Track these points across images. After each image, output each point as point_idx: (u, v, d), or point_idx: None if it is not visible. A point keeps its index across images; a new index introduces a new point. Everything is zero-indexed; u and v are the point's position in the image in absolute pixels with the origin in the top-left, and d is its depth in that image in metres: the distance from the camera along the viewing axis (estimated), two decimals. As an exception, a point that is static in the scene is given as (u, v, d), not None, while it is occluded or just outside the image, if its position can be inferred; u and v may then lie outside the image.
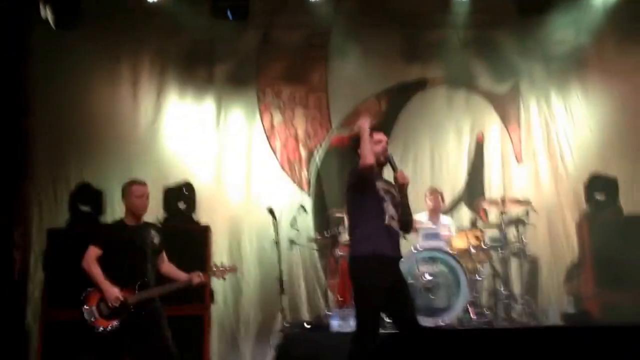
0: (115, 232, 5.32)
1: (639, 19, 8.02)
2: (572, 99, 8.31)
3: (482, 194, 8.09)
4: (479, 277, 6.96)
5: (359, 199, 4.73)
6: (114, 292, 5.04)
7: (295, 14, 8.02)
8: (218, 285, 7.08)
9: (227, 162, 7.98)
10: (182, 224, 7.07)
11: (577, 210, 7.80)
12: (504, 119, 8.30)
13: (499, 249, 7.07)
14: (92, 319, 5.05)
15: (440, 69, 8.24)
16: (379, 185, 4.74)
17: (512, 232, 7.20)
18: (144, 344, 5.07)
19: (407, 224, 4.84)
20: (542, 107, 8.32)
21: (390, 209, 4.69)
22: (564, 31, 8.01)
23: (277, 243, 6.79)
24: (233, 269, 5.61)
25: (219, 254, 7.31)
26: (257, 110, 8.15)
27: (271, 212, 6.82)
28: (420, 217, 7.10)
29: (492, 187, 8.15)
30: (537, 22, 7.89)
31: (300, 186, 8.07)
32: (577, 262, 7.57)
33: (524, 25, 7.98)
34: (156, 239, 5.41)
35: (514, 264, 7.32)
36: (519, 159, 8.27)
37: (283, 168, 8.08)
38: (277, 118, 8.16)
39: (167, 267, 5.50)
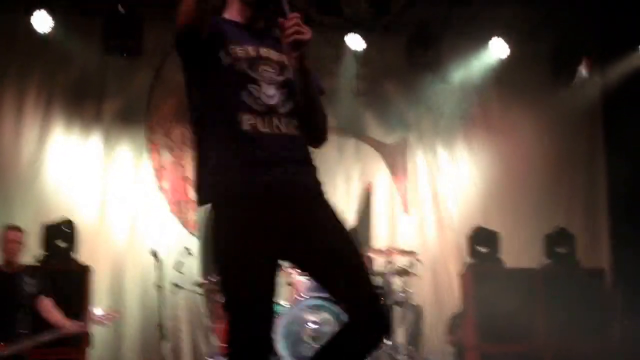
0: None
1: (521, 80, 8.61)
2: (458, 153, 8.75)
3: (369, 242, 8.28)
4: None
5: (200, 86, 2.79)
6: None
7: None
8: (97, 328, 6.92)
9: (112, 201, 7.89)
10: (61, 263, 6.90)
11: (461, 262, 8.10)
12: (393, 169, 8.60)
13: (385, 297, 7.25)
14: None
15: (332, 117, 8.43)
16: (241, 52, 2.76)
17: (397, 282, 7.40)
18: None
19: (313, 125, 2.87)
20: (429, 160, 8.71)
21: (264, 94, 2.73)
22: (452, 88, 8.48)
23: (159, 287, 6.73)
24: (112, 317, 5.49)
25: (100, 295, 7.19)
26: (145, 149, 8.12)
27: (154, 254, 6.77)
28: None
29: (379, 236, 8.37)
30: (427, 78, 8.32)
31: (188, 228, 8.04)
32: (459, 313, 7.83)
33: (415, 80, 8.39)
34: (30, 286, 5.27)
35: (398, 313, 7.50)
36: (405, 209, 8.55)
37: (171, 209, 8.04)
38: (167, 158, 8.15)
39: (47, 312, 5.36)
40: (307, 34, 2.67)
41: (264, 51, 2.80)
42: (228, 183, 2.69)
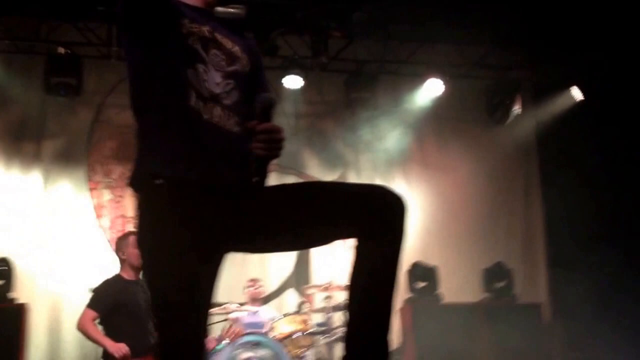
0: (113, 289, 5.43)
1: (457, 117, 8.95)
2: (396, 190, 8.90)
3: (309, 279, 8.43)
4: (304, 361, 7.21)
5: (145, 57, 2.54)
6: (118, 346, 5.12)
7: (127, 95, 8.19)
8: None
9: (51, 239, 7.93)
10: (-4, 301, 6.93)
11: (400, 296, 8.25)
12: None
13: (324, 334, 7.36)
14: None
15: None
16: (196, 28, 2.54)
17: (337, 317, 7.54)
18: None
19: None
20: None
21: (211, 79, 2.51)
22: (388, 125, 8.77)
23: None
24: None
25: (38, 333, 7.24)
26: (85, 188, 8.20)
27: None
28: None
29: (319, 272, 8.54)
30: (363, 116, 8.57)
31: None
32: (399, 347, 7.97)
33: (352, 118, 8.64)
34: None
35: (338, 349, 7.62)
36: (345, 246, 8.69)
37: (111, 247, 8.08)
38: (107, 196, 8.25)
39: None
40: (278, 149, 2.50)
41: (219, 36, 2.59)
42: (168, 165, 2.43)
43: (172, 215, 2.38)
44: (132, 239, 5.48)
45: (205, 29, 2.55)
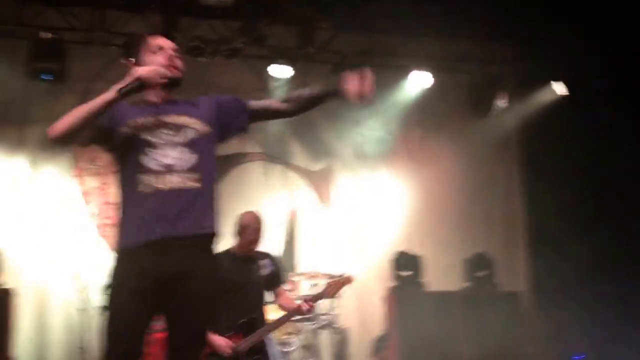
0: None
1: (441, 109, 9.23)
2: (381, 180, 9.20)
3: (294, 267, 8.59)
4: (289, 348, 7.36)
5: (113, 155, 3.34)
6: (222, 342, 4.96)
7: (113, 82, 8.23)
8: (22, 352, 7.08)
9: (37, 225, 8.00)
10: (-18, 287, 6.97)
11: (384, 285, 8.45)
12: (318, 195, 8.96)
13: (309, 320, 7.53)
14: None
15: (259, 145, 8.76)
16: (143, 123, 3.24)
17: (322, 305, 7.71)
18: None
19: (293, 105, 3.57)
20: (353, 186, 9.10)
21: (162, 155, 3.20)
22: (373, 117, 8.97)
23: (83, 310, 6.90)
24: None
25: (24, 318, 7.31)
26: (71, 174, 8.28)
27: (78, 278, 6.95)
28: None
29: (304, 260, 8.73)
30: (350, 107, 8.63)
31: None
32: (383, 335, 8.17)
33: (339, 109, 8.73)
34: (268, 269, 5.35)
35: (323, 335, 7.82)
36: (330, 234, 8.90)
37: (98, 233, 8.19)
38: (93, 183, 8.33)
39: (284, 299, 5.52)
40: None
41: (165, 117, 3.28)
42: (121, 239, 3.22)
43: (121, 273, 3.19)
44: (246, 216, 5.44)
45: (151, 119, 3.24)
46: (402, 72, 8.83)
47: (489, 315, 7.87)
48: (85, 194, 8.29)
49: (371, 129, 9.07)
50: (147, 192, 3.16)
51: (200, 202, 3.22)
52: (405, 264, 8.29)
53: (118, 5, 8.12)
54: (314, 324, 7.55)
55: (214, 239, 3.30)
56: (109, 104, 3.16)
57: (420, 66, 8.74)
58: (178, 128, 3.26)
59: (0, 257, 7.22)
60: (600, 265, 7.99)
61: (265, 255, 5.48)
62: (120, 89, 3.16)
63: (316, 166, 9.09)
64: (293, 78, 8.54)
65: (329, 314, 7.64)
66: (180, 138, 3.25)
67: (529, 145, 9.33)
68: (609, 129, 8.06)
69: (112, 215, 8.14)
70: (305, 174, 9.04)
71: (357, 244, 9.00)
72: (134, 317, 3.12)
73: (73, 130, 3.12)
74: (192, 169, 3.21)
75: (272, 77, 8.51)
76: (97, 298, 7.22)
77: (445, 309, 7.91)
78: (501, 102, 8.93)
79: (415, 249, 8.43)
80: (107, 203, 8.29)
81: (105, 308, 3.19)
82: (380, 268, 8.68)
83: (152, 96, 3.35)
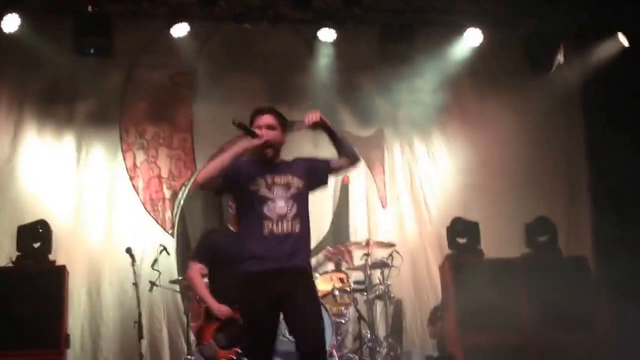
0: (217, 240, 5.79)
1: (496, 69, 8.96)
2: (435, 146, 9.06)
3: (347, 236, 8.55)
4: (344, 320, 7.31)
5: (240, 213, 4.62)
6: (223, 309, 5.51)
7: (160, 54, 8.39)
8: (75, 328, 7.25)
9: (87, 202, 8.17)
10: (36, 264, 7.14)
11: (440, 253, 8.36)
12: (369, 163, 8.88)
13: (363, 291, 7.48)
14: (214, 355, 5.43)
15: (307, 111, 8.62)
16: (261, 182, 4.46)
17: (376, 275, 7.68)
18: None
19: (344, 153, 4.65)
20: (406, 152, 9.01)
21: (277, 208, 4.40)
22: (425, 79, 8.71)
23: (135, 285, 7.02)
24: None
25: (78, 295, 7.55)
26: (119, 149, 8.39)
27: (130, 252, 7.06)
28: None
29: (357, 230, 8.70)
30: (399, 69, 8.58)
31: (164, 227, 8.35)
32: (440, 304, 8.08)
33: (387, 72, 8.67)
34: None
35: (378, 306, 7.77)
36: (383, 203, 8.81)
37: (146, 208, 8.32)
38: (140, 157, 8.45)
39: None
40: (312, 118, 4.52)
41: (277, 178, 4.44)
42: (250, 265, 4.39)
43: (247, 290, 4.42)
44: None
45: (268, 180, 4.42)
46: (454, 30, 8.58)
47: (552, 282, 7.70)
48: (132, 168, 8.39)
49: (423, 92, 8.79)
50: (265, 234, 4.36)
51: (300, 243, 4.44)
52: (462, 230, 8.14)
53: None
54: (368, 295, 7.48)
55: (308, 268, 4.53)
56: (236, 157, 4.38)
57: (473, 23, 8.46)
58: (285, 186, 4.44)
59: (51, 233, 7.37)
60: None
61: None
62: (242, 152, 4.41)
63: (366, 132, 8.96)
64: (340, 42, 8.40)
65: (384, 285, 7.55)
66: (287, 193, 4.42)
67: (593, 104, 8.93)
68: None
69: (158, 190, 8.28)
70: (356, 140, 8.83)
71: (412, 211, 8.86)
72: (264, 321, 4.34)
73: (213, 176, 4.37)
74: (295, 217, 4.41)
75: (319, 41, 8.38)
76: (149, 273, 7.40)
77: (505, 277, 7.71)
78: (561, 58, 8.59)
79: (471, 216, 8.25)
80: (154, 177, 8.40)
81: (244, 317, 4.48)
82: (436, 236, 8.59)
83: (263, 157, 4.49)
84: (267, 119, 4.53)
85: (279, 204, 4.40)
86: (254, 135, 4.39)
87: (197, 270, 5.85)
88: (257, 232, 4.40)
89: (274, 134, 4.51)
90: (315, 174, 4.64)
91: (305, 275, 4.51)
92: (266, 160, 4.52)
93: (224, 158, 4.40)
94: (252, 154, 4.45)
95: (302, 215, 4.48)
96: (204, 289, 5.77)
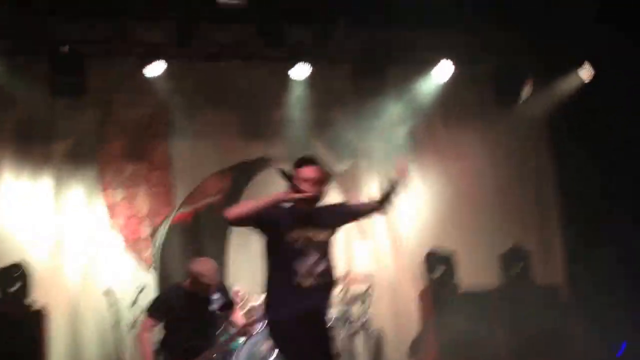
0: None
1: (465, 102, 9.16)
2: (410, 179, 9.05)
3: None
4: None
5: (269, 259, 4.69)
6: None
7: (133, 92, 8.40)
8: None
9: (66, 242, 8.12)
10: (14, 307, 7.13)
11: (418, 284, 8.46)
12: (346, 196, 8.90)
13: (344, 324, 7.55)
14: None
15: (282, 147, 8.73)
16: (298, 236, 4.55)
17: (356, 308, 7.73)
18: None
19: (384, 207, 4.81)
20: (381, 184, 8.98)
21: (309, 261, 4.51)
22: (398, 114, 8.92)
23: (115, 326, 7.02)
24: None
25: (57, 336, 7.45)
26: (97, 188, 8.36)
27: (109, 293, 7.07)
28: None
29: (336, 263, 8.64)
30: (372, 104, 8.75)
31: (144, 265, 8.32)
32: (420, 335, 8.16)
33: (361, 107, 8.78)
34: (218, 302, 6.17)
35: (359, 339, 7.82)
36: (361, 235, 8.87)
37: (125, 247, 8.30)
38: (119, 196, 8.43)
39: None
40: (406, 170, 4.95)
41: (312, 233, 4.54)
42: (274, 312, 4.58)
43: (276, 333, 4.61)
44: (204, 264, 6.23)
45: (304, 234, 4.51)
46: (424, 65, 8.78)
47: (527, 310, 7.89)
48: (112, 207, 8.37)
49: (396, 124, 8.97)
50: (293, 286, 4.45)
51: (322, 297, 4.61)
52: (439, 261, 8.31)
53: (136, 15, 8.16)
54: (349, 327, 7.55)
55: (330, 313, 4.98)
56: (275, 204, 4.46)
57: (442, 58, 8.65)
58: (317, 243, 4.54)
59: (31, 275, 7.35)
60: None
61: (217, 289, 6.24)
62: (280, 199, 4.49)
63: (342, 166, 9.05)
64: (314, 77, 8.52)
65: (363, 317, 7.64)
66: (317, 250, 4.53)
67: (560, 132, 9.20)
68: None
69: (138, 229, 8.28)
70: (332, 175, 9.00)
71: (389, 244, 8.94)
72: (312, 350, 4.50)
73: (244, 217, 4.45)
74: (323, 273, 4.54)
75: (293, 77, 8.51)
76: (130, 312, 7.38)
77: (482, 306, 7.93)
78: (528, 90, 8.81)
79: (448, 246, 8.41)
80: (134, 215, 8.41)
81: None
82: (413, 267, 8.66)
83: (299, 206, 4.53)
84: (314, 172, 4.57)
85: (310, 259, 4.50)
86: (298, 190, 4.41)
87: (147, 328, 6.14)
88: (282, 284, 4.50)
89: (319, 189, 4.57)
90: (343, 221, 4.85)
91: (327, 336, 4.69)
92: (304, 211, 4.55)
93: (261, 202, 4.46)
94: (292, 202, 4.49)
95: (330, 269, 4.63)
96: (148, 352, 6.05)
